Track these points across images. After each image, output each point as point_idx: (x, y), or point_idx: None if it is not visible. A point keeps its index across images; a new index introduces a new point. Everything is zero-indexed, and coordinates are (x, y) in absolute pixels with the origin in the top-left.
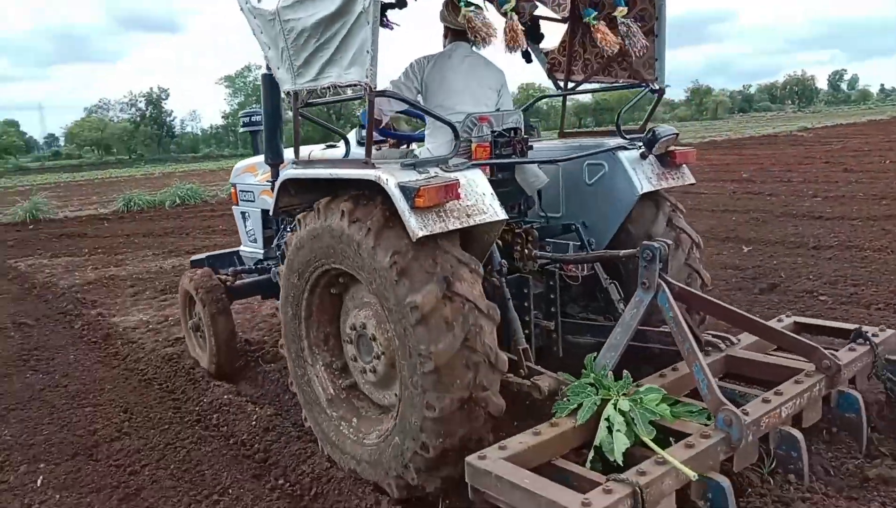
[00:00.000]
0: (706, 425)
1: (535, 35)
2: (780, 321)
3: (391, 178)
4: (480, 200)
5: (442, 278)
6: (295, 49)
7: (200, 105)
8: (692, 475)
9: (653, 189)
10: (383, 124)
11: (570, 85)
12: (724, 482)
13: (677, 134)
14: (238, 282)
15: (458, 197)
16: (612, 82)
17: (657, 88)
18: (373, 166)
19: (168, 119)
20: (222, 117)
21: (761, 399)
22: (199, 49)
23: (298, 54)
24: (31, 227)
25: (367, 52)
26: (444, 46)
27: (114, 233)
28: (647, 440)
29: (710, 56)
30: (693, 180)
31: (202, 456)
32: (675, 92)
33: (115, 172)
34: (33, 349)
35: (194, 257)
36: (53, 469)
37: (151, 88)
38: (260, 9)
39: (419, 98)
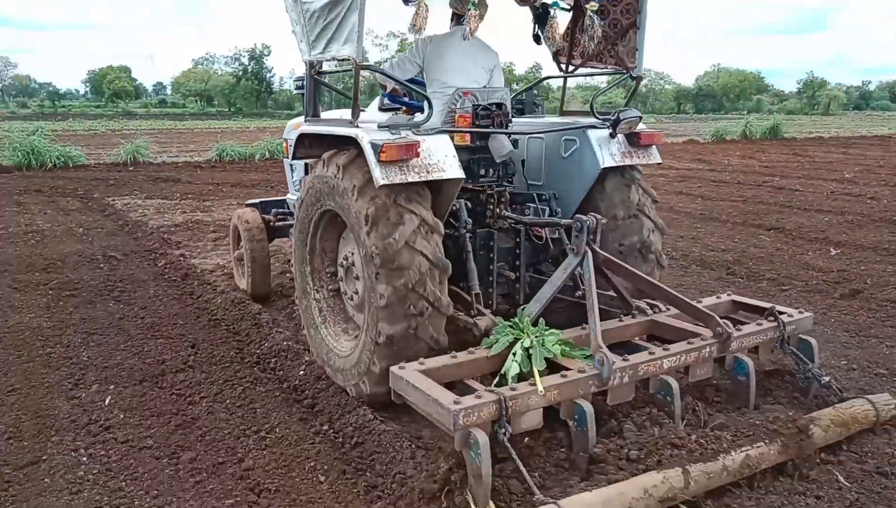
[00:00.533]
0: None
1: (543, 21)
2: (718, 297)
3: (366, 136)
4: (442, 160)
5: (400, 232)
6: (310, 26)
7: (299, 64)
8: (540, 388)
9: (615, 164)
10: (388, 90)
11: (571, 68)
12: (588, 407)
13: (640, 117)
14: (278, 223)
15: (417, 155)
16: (603, 68)
17: (636, 75)
18: (356, 127)
19: (268, 75)
20: (294, 82)
21: (647, 352)
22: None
23: (312, 31)
24: (130, 168)
25: (356, 33)
26: (450, 28)
27: (205, 180)
28: (535, 369)
29: (827, 47)
30: (660, 160)
31: (256, 395)
32: (787, 83)
33: (214, 123)
34: (118, 281)
35: (249, 201)
36: (121, 392)
37: (255, 45)
38: None
39: (423, 73)
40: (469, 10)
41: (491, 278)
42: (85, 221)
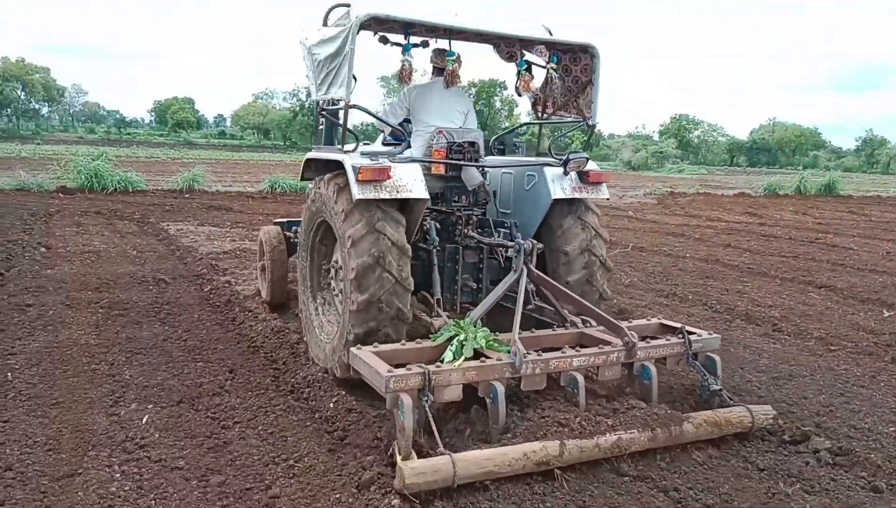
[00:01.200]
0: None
1: (528, 73)
2: (647, 320)
3: (349, 161)
4: (410, 183)
5: (370, 222)
6: (316, 73)
7: (357, 101)
8: (457, 365)
9: (565, 197)
10: (389, 131)
11: (544, 116)
12: (500, 387)
13: (587, 158)
14: (296, 239)
15: (389, 177)
16: (567, 117)
17: (591, 123)
18: (344, 153)
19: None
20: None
21: (561, 351)
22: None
23: (318, 76)
24: (186, 195)
25: (346, 79)
26: (432, 78)
27: (255, 210)
28: (462, 357)
29: (888, 105)
30: (607, 196)
31: (288, 424)
32: (845, 140)
33: (269, 156)
34: (165, 304)
35: (276, 220)
36: (159, 411)
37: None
38: (305, 44)
39: (410, 115)
40: (448, 65)
41: (456, 287)
42: (139, 244)
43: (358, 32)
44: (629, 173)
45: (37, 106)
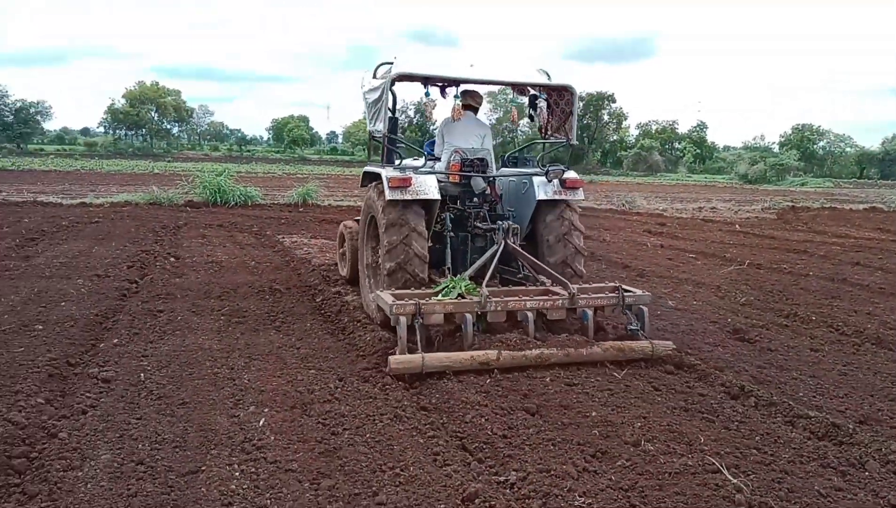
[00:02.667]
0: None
1: (534, 107)
2: (604, 283)
3: (385, 172)
4: (426, 188)
5: (397, 214)
6: (368, 111)
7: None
8: (439, 298)
9: (547, 198)
10: (429, 149)
11: (547, 137)
12: (469, 317)
13: (564, 169)
14: None
15: (410, 184)
16: (559, 138)
17: (571, 143)
18: (383, 168)
19: (431, 128)
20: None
21: (518, 296)
22: (502, 59)
23: (369, 113)
24: (300, 209)
25: (384, 117)
26: (457, 109)
27: None
28: (446, 296)
29: None
30: (582, 197)
31: (395, 433)
32: None
33: None
34: (280, 313)
35: (355, 218)
36: (274, 415)
37: (420, 98)
38: (362, 90)
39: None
40: (455, 104)
41: (467, 262)
42: (256, 255)
43: (392, 85)
44: (745, 187)
45: (168, 126)
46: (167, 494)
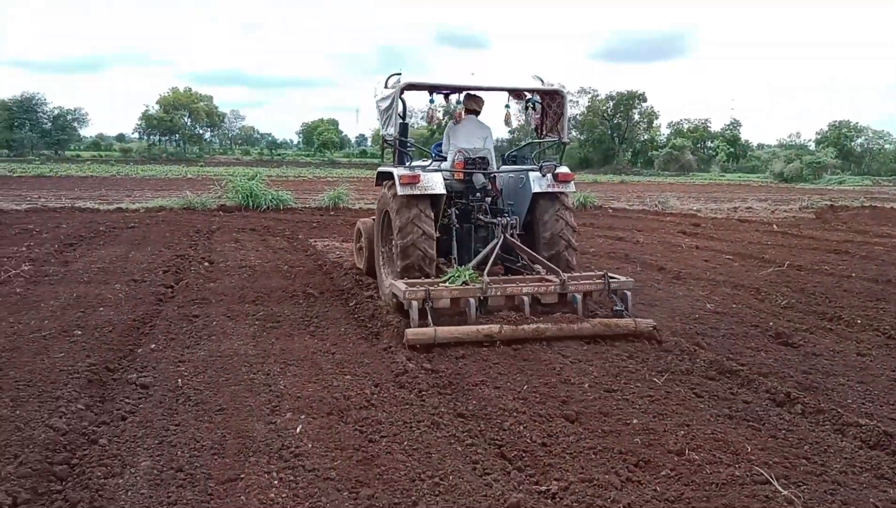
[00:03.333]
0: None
1: (532, 108)
2: (594, 271)
3: (396, 171)
4: (433, 184)
5: (407, 204)
6: (380, 117)
7: (490, 119)
8: (447, 285)
9: (541, 191)
10: (436, 151)
11: (542, 137)
12: (472, 302)
13: (556, 165)
14: None
15: (419, 181)
16: (553, 138)
17: (563, 141)
18: (395, 168)
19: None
20: (509, 132)
21: (515, 283)
22: (501, 67)
23: (381, 119)
24: (331, 212)
25: (394, 123)
26: (461, 113)
27: None
28: (452, 283)
29: None
30: (573, 189)
31: (432, 441)
32: None
33: None
34: (314, 317)
35: (370, 217)
36: (311, 422)
37: (449, 101)
38: (375, 98)
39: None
40: (456, 107)
41: (472, 251)
42: (289, 259)
43: (401, 93)
44: (781, 186)
45: (200, 131)
46: (207, 502)
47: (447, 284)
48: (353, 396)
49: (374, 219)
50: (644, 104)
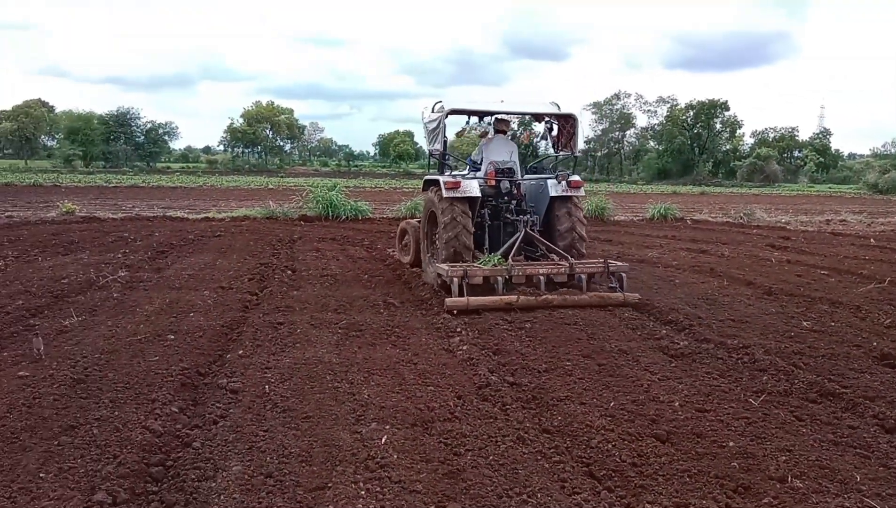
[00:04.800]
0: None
1: (549, 129)
2: (595, 258)
3: (442, 178)
4: (470, 189)
5: (451, 204)
6: (428, 136)
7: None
8: (480, 267)
9: (558, 195)
10: (471, 163)
11: (558, 152)
12: (500, 278)
13: (569, 174)
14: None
15: (460, 186)
16: (567, 153)
17: (575, 155)
18: (440, 176)
19: (534, 140)
20: (584, 142)
21: (533, 266)
22: (580, 76)
23: (429, 137)
24: None
25: (441, 139)
26: (492, 134)
27: None
28: (485, 265)
29: None
30: (584, 194)
31: (518, 456)
32: None
33: None
34: (395, 327)
35: (415, 219)
36: (395, 433)
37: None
38: (422, 120)
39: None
40: (487, 131)
41: (500, 243)
42: (369, 268)
43: (447, 116)
44: (876, 198)
45: (281, 143)
46: None
47: (481, 265)
48: (437, 408)
49: (418, 220)
50: (726, 113)
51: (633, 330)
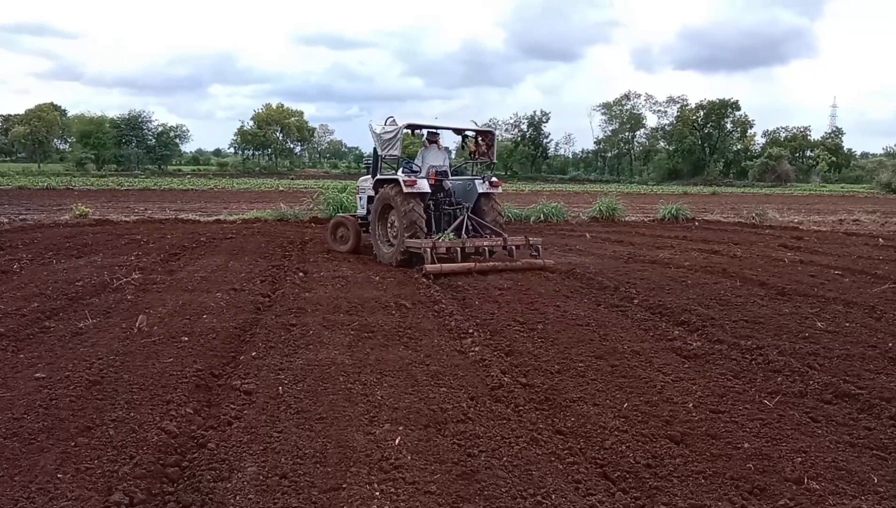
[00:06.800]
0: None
1: (464, 140)
2: (520, 237)
3: (400, 177)
4: (423, 186)
5: (408, 198)
6: (381, 144)
7: (576, 130)
8: (444, 240)
9: (483, 192)
10: (405, 165)
11: (476, 158)
12: (458, 250)
13: (491, 175)
14: (360, 220)
15: (416, 184)
16: (485, 160)
17: (493, 162)
18: (398, 176)
19: (545, 141)
20: (594, 143)
21: (480, 239)
22: (585, 77)
23: (384, 145)
24: None
25: (397, 147)
26: (427, 143)
27: None
28: (444, 239)
29: None
30: (501, 191)
31: (532, 457)
32: None
33: None
34: (407, 328)
35: (348, 214)
36: (409, 434)
37: (535, 112)
38: (374, 130)
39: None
40: (425, 143)
41: (441, 226)
42: (380, 270)
43: (405, 129)
44: (890, 197)
45: (291, 145)
46: None
47: (443, 239)
48: (450, 409)
49: (351, 215)
50: (737, 112)
51: (646, 331)
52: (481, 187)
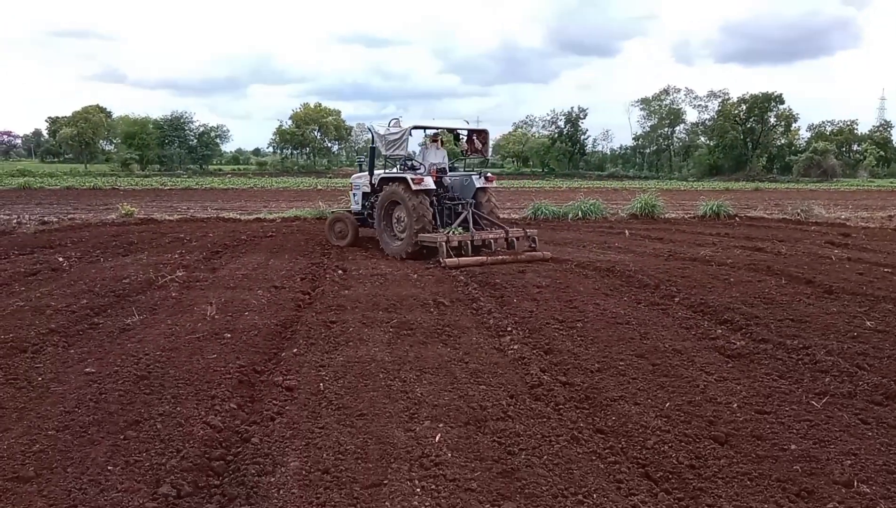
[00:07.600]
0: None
1: (457, 138)
2: (520, 227)
3: (408, 175)
4: (428, 183)
5: (416, 195)
6: (386, 144)
7: (614, 126)
8: (455, 235)
9: (480, 186)
10: (408, 163)
11: (470, 156)
12: (468, 242)
13: (487, 171)
14: (357, 216)
15: (423, 181)
16: (479, 156)
17: (487, 158)
18: (405, 174)
19: (582, 137)
20: (633, 139)
21: (486, 232)
22: (623, 72)
23: (387, 145)
24: None
25: (406, 147)
26: (429, 144)
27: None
28: (455, 233)
29: None
30: (495, 185)
31: (573, 456)
32: None
33: (529, 183)
34: (445, 326)
35: (349, 209)
36: (449, 431)
37: (572, 108)
38: (376, 131)
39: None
40: (426, 142)
41: (444, 220)
42: (417, 267)
43: (410, 131)
44: None
45: (329, 144)
46: (354, 506)
47: (454, 233)
48: (490, 406)
49: (347, 211)
50: (781, 106)
51: (688, 330)
52: (478, 183)
